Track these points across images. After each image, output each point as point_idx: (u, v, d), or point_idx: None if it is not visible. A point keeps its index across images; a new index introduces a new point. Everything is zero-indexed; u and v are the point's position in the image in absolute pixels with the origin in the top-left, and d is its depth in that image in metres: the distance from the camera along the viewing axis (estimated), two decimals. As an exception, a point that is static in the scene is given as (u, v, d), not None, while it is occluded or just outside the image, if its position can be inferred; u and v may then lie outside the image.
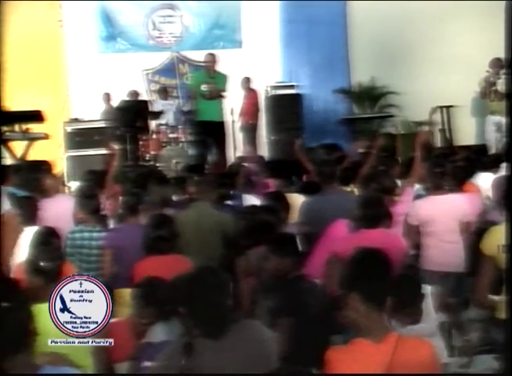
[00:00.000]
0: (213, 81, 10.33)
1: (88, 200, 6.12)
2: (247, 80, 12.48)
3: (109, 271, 5.57)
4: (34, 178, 6.82)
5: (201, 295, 2.96)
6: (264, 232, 5.03)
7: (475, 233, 5.38)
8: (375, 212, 5.01)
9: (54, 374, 2.65)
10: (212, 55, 10.71)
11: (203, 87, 10.30)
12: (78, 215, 6.09)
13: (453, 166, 6.64)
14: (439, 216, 5.73)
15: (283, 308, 3.56)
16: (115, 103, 12.64)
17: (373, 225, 4.96)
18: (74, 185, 7.29)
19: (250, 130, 12.37)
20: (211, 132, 10.33)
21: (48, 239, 5.21)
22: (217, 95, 10.36)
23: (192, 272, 3.21)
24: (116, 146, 8.04)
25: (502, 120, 10.42)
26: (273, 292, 4.04)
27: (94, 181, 6.92)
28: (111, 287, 4.27)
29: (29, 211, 5.89)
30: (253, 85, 12.54)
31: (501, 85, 10.90)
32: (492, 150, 10.35)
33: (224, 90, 10.47)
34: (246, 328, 3.05)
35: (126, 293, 4.59)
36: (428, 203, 5.83)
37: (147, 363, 3.23)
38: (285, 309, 3.46)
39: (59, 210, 6.46)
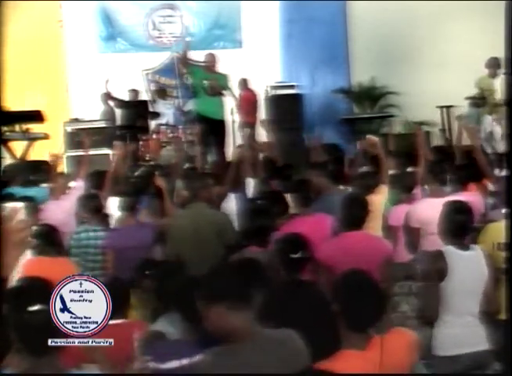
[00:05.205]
0: (214, 78, 10.34)
1: (90, 200, 6.13)
2: (244, 81, 12.41)
3: (111, 271, 5.57)
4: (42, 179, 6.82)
5: (243, 287, 2.94)
6: (255, 232, 5.01)
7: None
8: (358, 213, 4.90)
9: (57, 375, 2.66)
10: (212, 55, 10.72)
11: (205, 82, 10.30)
12: (81, 214, 6.10)
13: (455, 167, 6.61)
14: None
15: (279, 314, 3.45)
16: (114, 103, 12.65)
17: (356, 226, 4.86)
18: (74, 185, 7.27)
19: (249, 130, 12.34)
20: (212, 130, 10.33)
21: (48, 235, 5.23)
22: (219, 91, 10.35)
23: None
24: (121, 147, 8.05)
25: (500, 120, 10.41)
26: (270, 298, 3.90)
27: (96, 181, 6.93)
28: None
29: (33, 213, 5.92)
30: (250, 85, 12.51)
31: (499, 85, 10.88)
32: (489, 150, 10.33)
33: (225, 88, 10.47)
34: (283, 336, 3.01)
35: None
36: (428, 205, 5.79)
37: (155, 364, 3.13)
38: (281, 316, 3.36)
39: (66, 210, 6.48)
